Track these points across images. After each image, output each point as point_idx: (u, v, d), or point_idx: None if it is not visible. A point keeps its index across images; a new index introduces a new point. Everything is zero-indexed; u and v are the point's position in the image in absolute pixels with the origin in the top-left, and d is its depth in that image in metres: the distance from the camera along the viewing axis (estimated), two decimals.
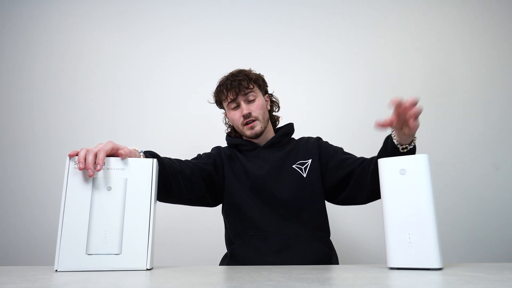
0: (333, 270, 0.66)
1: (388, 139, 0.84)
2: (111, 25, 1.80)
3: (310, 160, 1.08)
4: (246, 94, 1.09)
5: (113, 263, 0.65)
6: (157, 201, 0.88)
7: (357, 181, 0.98)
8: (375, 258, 1.55)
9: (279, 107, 1.23)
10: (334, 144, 1.16)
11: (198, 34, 1.79)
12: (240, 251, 1.02)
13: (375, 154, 0.92)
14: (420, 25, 1.78)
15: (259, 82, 1.14)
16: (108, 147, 0.70)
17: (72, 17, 1.81)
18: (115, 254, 0.66)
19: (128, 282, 0.52)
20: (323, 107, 1.72)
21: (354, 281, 0.51)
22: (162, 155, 0.90)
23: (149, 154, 0.84)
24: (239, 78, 1.09)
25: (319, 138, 1.16)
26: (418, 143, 0.82)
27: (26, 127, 1.70)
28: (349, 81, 1.74)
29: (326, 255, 1.01)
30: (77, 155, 0.68)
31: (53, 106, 1.72)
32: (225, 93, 1.09)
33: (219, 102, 1.16)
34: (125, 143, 0.78)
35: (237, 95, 1.08)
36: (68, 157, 0.69)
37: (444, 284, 0.48)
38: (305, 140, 1.15)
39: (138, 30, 1.80)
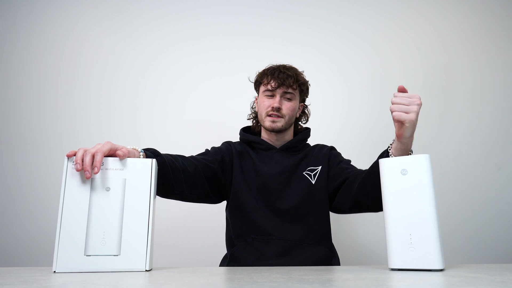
0: (334, 271, 0.66)
1: (383, 154, 0.84)
2: (109, 24, 1.80)
3: (320, 167, 1.09)
4: (286, 91, 1.09)
5: (111, 264, 0.65)
6: (159, 196, 0.87)
7: (345, 188, 0.99)
8: (376, 259, 1.54)
9: (307, 119, 1.23)
10: (337, 146, 1.18)
11: (198, 33, 1.79)
12: (241, 253, 1.02)
13: (375, 154, 0.91)
14: (421, 24, 1.78)
15: (303, 88, 1.15)
16: (106, 148, 0.69)
17: (70, 16, 1.80)
18: (114, 255, 0.65)
19: (127, 283, 0.52)
20: (323, 107, 1.71)
21: (355, 282, 0.51)
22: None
23: (150, 152, 0.83)
24: (289, 73, 1.09)
25: (332, 148, 1.17)
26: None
27: (23, 127, 1.70)
28: (350, 81, 1.73)
29: (327, 256, 1.01)
30: (75, 155, 0.68)
31: (51, 105, 1.72)
32: (269, 79, 1.10)
33: (258, 83, 1.16)
34: (124, 143, 0.78)
35: (278, 87, 1.08)
36: (66, 157, 0.69)
37: (446, 285, 0.47)
38: (319, 148, 1.16)
39: (137, 28, 1.79)
